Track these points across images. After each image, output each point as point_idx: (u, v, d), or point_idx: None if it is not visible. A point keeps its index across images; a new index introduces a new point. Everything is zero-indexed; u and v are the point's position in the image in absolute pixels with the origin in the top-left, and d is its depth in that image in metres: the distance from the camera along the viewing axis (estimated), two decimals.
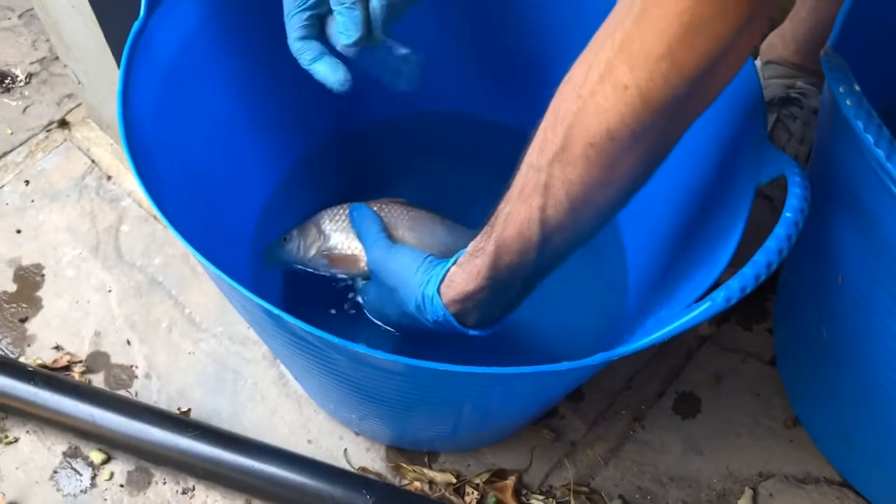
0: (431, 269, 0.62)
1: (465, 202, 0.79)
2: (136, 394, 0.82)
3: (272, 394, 0.83)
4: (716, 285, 0.50)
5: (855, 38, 0.58)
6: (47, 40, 1.10)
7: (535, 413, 0.78)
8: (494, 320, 0.62)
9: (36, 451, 0.79)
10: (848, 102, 0.53)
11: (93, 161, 0.99)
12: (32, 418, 0.78)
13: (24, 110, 1.04)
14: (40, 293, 0.89)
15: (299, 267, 0.75)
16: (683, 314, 0.49)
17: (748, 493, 0.79)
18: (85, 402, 0.76)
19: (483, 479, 0.77)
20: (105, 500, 0.76)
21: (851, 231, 0.61)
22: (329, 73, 0.62)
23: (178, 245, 0.92)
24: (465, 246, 0.59)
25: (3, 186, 0.96)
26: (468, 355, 0.61)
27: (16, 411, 0.78)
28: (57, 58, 1.07)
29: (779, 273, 0.82)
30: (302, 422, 0.81)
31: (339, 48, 0.63)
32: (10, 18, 1.13)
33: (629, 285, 0.80)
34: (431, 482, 0.77)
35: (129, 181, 0.97)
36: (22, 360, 0.83)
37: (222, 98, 0.72)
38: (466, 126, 0.92)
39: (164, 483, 0.77)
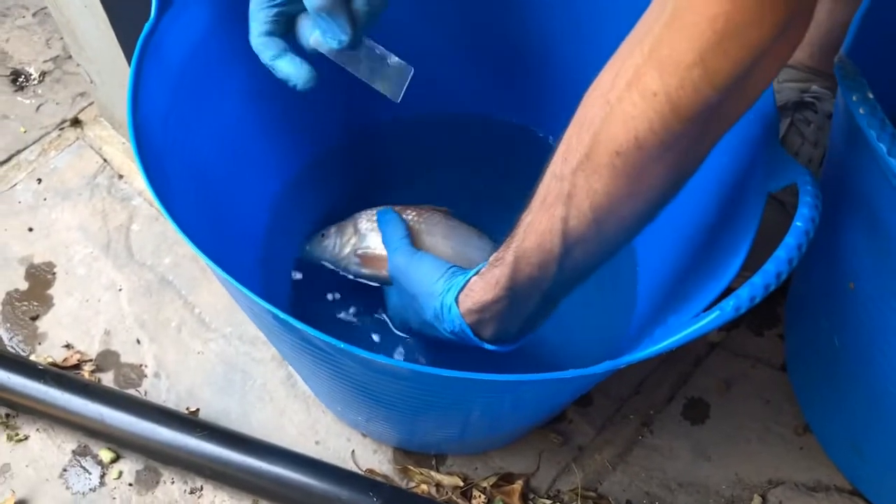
0: (452, 279, 0.61)
1: (475, 204, 0.79)
2: (146, 393, 0.83)
3: (280, 395, 0.83)
4: (727, 291, 0.49)
5: (869, 45, 0.58)
6: (61, 39, 1.10)
7: (542, 418, 0.78)
8: (512, 336, 0.60)
9: (46, 448, 0.79)
10: (861, 111, 0.52)
11: (105, 160, 0.99)
12: (42, 416, 0.79)
13: (38, 108, 1.04)
14: (51, 291, 0.89)
15: (330, 265, 0.76)
16: (692, 323, 0.48)
17: (757, 500, 0.78)
18: (94, 401, 0.76)
19: (490, 483, 0.77)
20: (114, 498, 0.77)
21: (864, 238, 0.60)
22: (293, 70, 0.61)
23: (188, 245, 0.92)
24: None
25: (15, 184, 0.97)
26: (477, 362, 0.61)
27: (26, 409, 0.79)
28: (70, 56, 1.07)
29: (790, 279, 0.81)
30: (310, 423, 0.81)
31: (323, 51, 0.62)
32: (24, 17, 1.13)
33: (638, 292, 0.80)
34: (438, 485, 0.77)
35: (140, 180, 0.97)
36: (32, 358, 0.84)
37: (232, 100, 0.72)
38: (476, 128, 0.91)
39: (173, 482, 0.78)
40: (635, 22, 0.50)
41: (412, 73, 0.65)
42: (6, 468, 0.78)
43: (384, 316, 0.76)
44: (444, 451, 0.79)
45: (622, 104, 0.43)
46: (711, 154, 0.64)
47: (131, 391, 0.82)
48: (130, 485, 0.77)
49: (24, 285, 0.89)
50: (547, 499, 0.77)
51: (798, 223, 0.48)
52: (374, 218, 0.75)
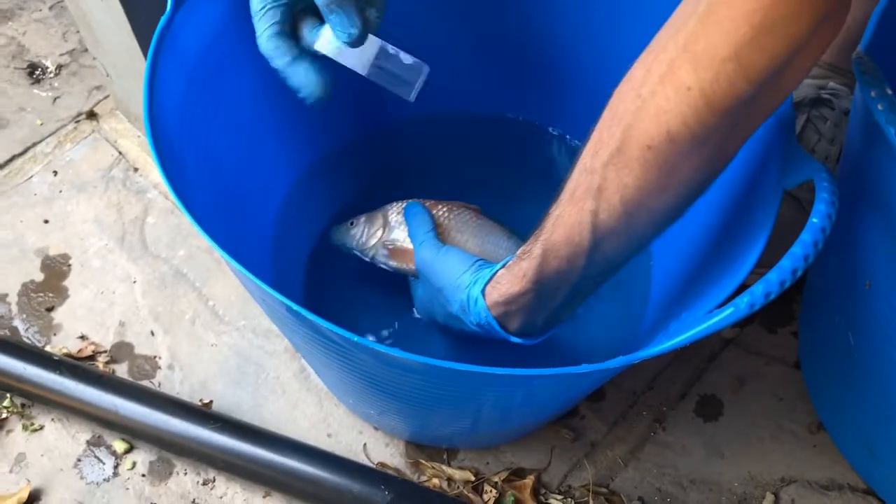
0: (479, 272, 0.61)
1: (489, 201, 0.79)
2: (159, 384, 0.83)
3: (293, 387, 0.83)
4: (741, 288, 0.49)
5: (888, 41, 0.57)
6: (77, 32, 1.11)
7: (554, 413, 0.77)
8: (539, 329, 0.60)
9: (60, 438, 0.80)
10: (880, 107, 0.52)
11: (120, 153, 1.00)
12: (57, 406, 0.79)
13: (54, 101, 1.05)
14: (67, 283, 0.90)
15: (358, 254, 0.76)
16: (705, 319, 0.48)
17: (770, 498, 0.78)
18: (109, 392, 0.77)
19: (502, 478, 0.77)
20: (127, 489, 0.77)
21: (881, 235, 0.60)
22: (307, 80, 0.59)
23: (202, 237, 0.92)
24: None
25: (31, 177, 0.98)
26: (494, 355, 0.61)
27: (41, 399, 0.79)
28: (86, 49, 1.08)
29: (805, 276, 0.81)
30: (322, 416, 0.81)
31: (329, 53, 0.61)
32: (41, 10, 1.14)
33: (652, 287, 0.79)
34: (450, 479, 0.77)
35: (155, 173, 0.98)
36: (48, 348, 0.84)
37: (246, 94, 0.73)
38: (488, 126, 0.91)
39: (185, 474, 0.78)
40: (650, 20, 0.50)
41: (428, 71, 0.64)
42: (21, 457, 0.79)
43: (400, 309, 0.76)
44: (456, 445, 0.79)
45: (655, 98, 0.43)
46: None
47: (145, 383, 0.83)
48: (144, 475, 0.78)
49: (39, 277, 0.90)
50: (558, 494, 0.77)
51: (814, 219, 0.48)
52: (404, 209, 0.75)
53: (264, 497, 0.77)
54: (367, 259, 0.76)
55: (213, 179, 0.67)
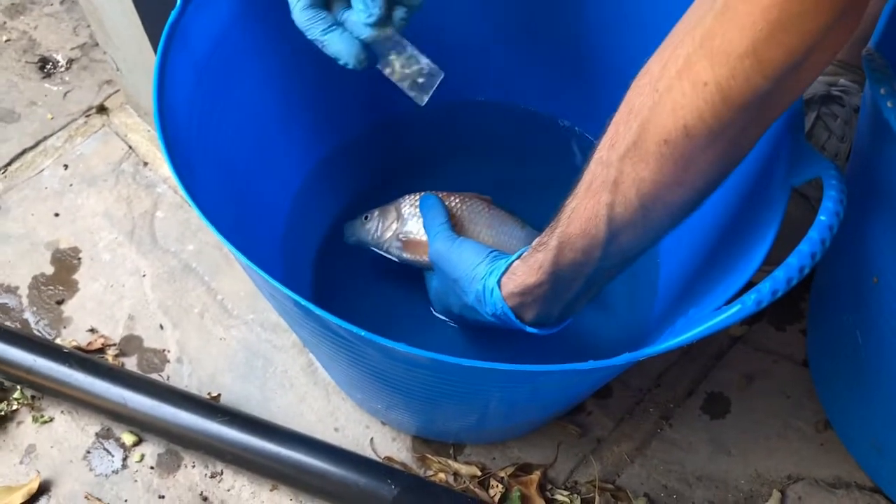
0: (494, 262, 0.62)
1: (500, 192, 0.79)
2: (168, 378, 0.84)
3: (301, 381, 0.83)
4: (748, 286, 0.49)
5: None
6: (88, 26, 1.11)
7: (561, 409, 0.78)
8: (554, 320, 0.61)
9: (70, 430, 0.80)
10: (890, 104, 0.51)
11: (130, 147, 1.00)
12: (67, 399, 0.80)
13: (65, 95, 1.05)
14: (76, 276, 0.90)
15: (373, 248, 0.77)
16: (713, 316, 0.48)
17: (776, 495, 0.78)
18: (118, 385, 0.77)
19: (508, 473, 0.77)
20: (136, 481, 0.78)
21: (889, 232, 0.59)
22: (344, 47, 0.58)
23: (211, 232, 0.92)
24: None
25: (42, 170, 0.98)
26: (506, 348, 0.61)
27: (51, 391, 0.80)
28: (97, 44, 1.08)
29: (813, 273, 0.81)
30: (329, 410, 0.82)
31: (357, 33, 0.60)
32: (52, 4, 1.15)
33: (659, 284, 0.79)
34: (456, 474, 0.78)
35: (164, 168, 0.98)
36: (58, 341, 0.85)
37: (256, 88, 0.73)
38: (503, 117, 0.91)
39: (194, 466, 0.79)
40: (665, 13, 0.50)
41: (442, 77, 0.64)
42: (31, 449, 0.79)
43: (410, 304, 0.77)
44: (463, 440, 0.80)
45: (671, 93, 0.43)
46: None
47: (154, 376, 0.83)
48: (152, 468, 0.78)
49: (49, 270, 0.91)
50: (564, 490, 0.77)
51: (822, 217, 0.48)
52: (418, 203, 0.75)
53: (271, 490, 0.77)
54: (381, 252, 0.76)
55: (222, 174, 0.67)
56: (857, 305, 0.68)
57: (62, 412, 0.81)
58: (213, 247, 0.92)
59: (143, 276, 0.90)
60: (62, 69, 1.08)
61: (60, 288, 0.90)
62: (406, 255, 0.75)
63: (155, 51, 0.63)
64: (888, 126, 0.52)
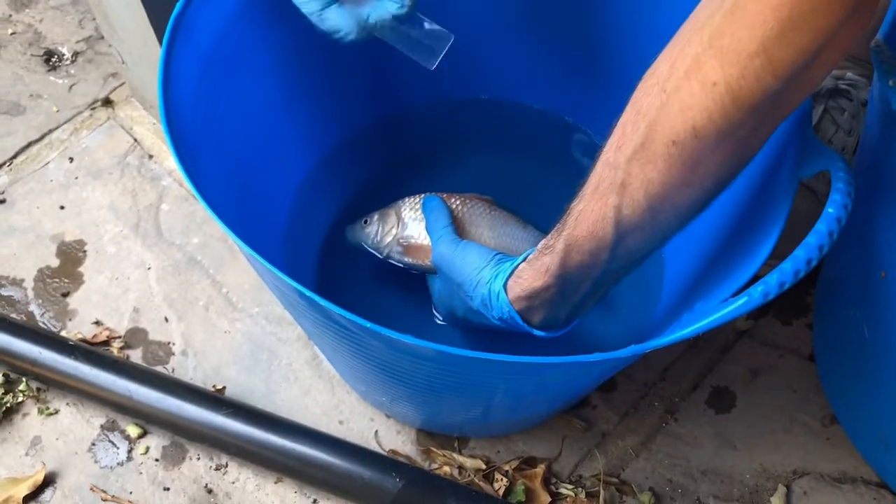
0: (499, 266, 0.61)
1: (502, 191, 0.79)
2: (173, 370, 0.84)
3: (306, 374, 0.83)
4: (755, 279, 0.49)
5: None
6: (93, 19, 1.11)
7: (566, 402, 0.77)
8: (561, 322, 0.60)
9: (75, 423, 0.81)
10: None
11: (135, 140, 1.00)
12: (72, 391, 0.80)
13: (70, 88, 1.05)
14: (82, 269, 0.90)
15: (373, 251, 0.76)
16: (719, 309, 0.48)
17: (781, 490, 0.77)
18: (123, 377, 0.77)
19: (512, 466, 0.77)
20: (140, 473, 0.78)
21: None
22: (341, 21, 0.59)
23: (216, 225, 0.92)
24: None
25: (48, 163, 0.98)
26: (509, 349, 0.60)
27: (57, 384, 0.80)
28: (102, 37, 1.08)
29: (820, 267, 0.80)
30: (334, 403, 0.82)
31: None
32: None
33: (665, 280, 0.79)
34: (461, 467, 0.78)
35: (170, 161, 0.98)
36: (63, 333, 0.85)
37: (261, 82, 0.73)
38: (507, 114, 0.91)
39: (198, 459, 0.79)
40: (673, 10, 0.49)
41: (452, 40, 0.63)
42: (37, 441, 0.79)
43: (413, 301, 0.76)
44: (467, 433, 0.79)
45: (680, 93, 0.43)
46: None
47: (159, 368, 0.83)
48: (157, 460, 0.79)
49: (55, 262, 0.91)
50: (569, 483, 0.77)
51: (830, 209, 0.47)
52: (418, 206, 0.74)
53: (276, 482, 0.77)
54: (381, 257, 0.76)
55: (227, 167, 0.67)
56: (864, 300, 0.68)
57: (67, 404, 0.82)
58: (217, 240, 0.92)
59: (149, 268, 0.90)
60: (67, 62, 1.08)
61: (66, 280, 0.90)
62: (408, 260, 0.74)
63: (160, 43, 0.63)
64: None
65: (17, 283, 0.89)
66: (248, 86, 0.71)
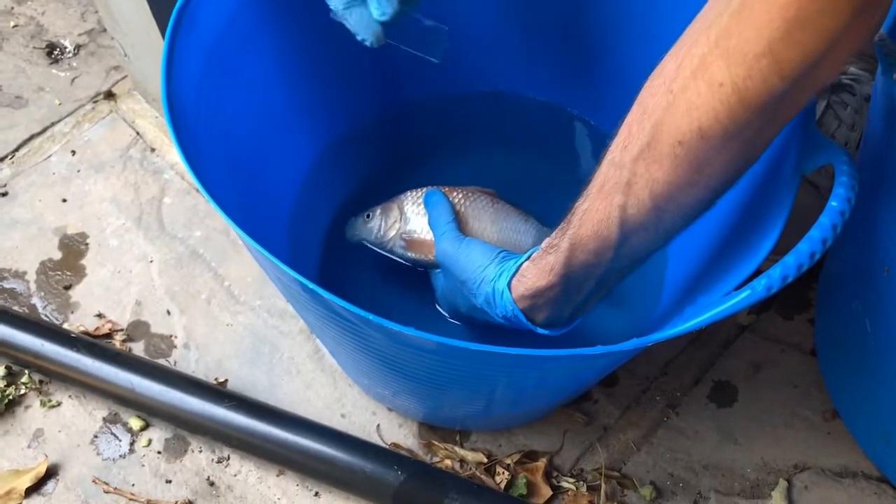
0: (503, 264, 0.61)
1: (509, 184, 0.79)
2: (175, 363, 0.84)
3: (308, 368, 0.83)
4: (757, 274, 0.49)
5: None
6: (96, 12, 1.11)
7: (567, 396, 0.78)
8: (564, 321, 0.60)
9: (77, 415, 0.81)
10: None
11: (137, 133, 1.00)
12: (74, 383, 0.80)
13: (72, 81, 1.05)
14: (84, 262, 0.90)
15: (376, 248, 0.76)
16: (722, 302, 0.48)
17: (782, 484, 0.78)
18: (125, 370, 0.77)
19: (514, 460, 0.78)
20: (143, 465, 0.78)
21: None
22: (364, 23, 0.59)
23: (219, 218, 0.93)
24: None
25: (50, 156, 0.98)
26: (509, 339, 0.60)
27: (59, 376, 0.80)
28: (105, 30, 1.08)
29: (822, 262, 0.80)
30: (336, 396, 0.82)
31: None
32: None
33: (668, 272, 0.79)
34: (462, 461, 0.78)
35: (172, 154, 0.98)
36: (65, 326, 0.85)
37: (264, 74, 0.73)
38: (510, 107, 0.91)
39: (200, 451, 0.79)
40: (681, 9, 0.49)
41: (447, 31, 0.65)
42: (39, 433, 0.80)
43: (416, 295, 0.76)
44: (469, 427, 0.80)
45: (686, 93, 0.42)
46: None
47: (161, 361, 0.83)
48: (159, 452, 0.79)
49: (57, 255, 0.91)
50: (570, 477, 0.77)
51: (833, 203, 0.47)
52: (420, 200, 0.74)
53: (278, 475, 0.77)
54: (384, 252, 0.76)
55: (230, 159, 0.67)
56: (867, 294, 0.68)
57: (70, 397, 0.82)
58: (220, 233, 0.92)
59: (151, 261, 0.90)
60: (70, 55, 1.08)
61: (68, 273, 0.90)
62: (411, 255, 0.74)
63: (163, 36, 0.63)
64: None
65: (19, 275, 0.89)
66: (251, 78, 0.71)
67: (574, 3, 0.80)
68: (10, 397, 0.81)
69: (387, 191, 0.77)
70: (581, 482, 0.77)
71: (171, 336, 0.86)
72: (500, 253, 0.63)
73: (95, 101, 1.03)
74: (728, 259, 0.60)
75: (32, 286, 0.89)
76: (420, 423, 0.80)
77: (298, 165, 0.83)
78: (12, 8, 1.12)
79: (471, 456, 0.78)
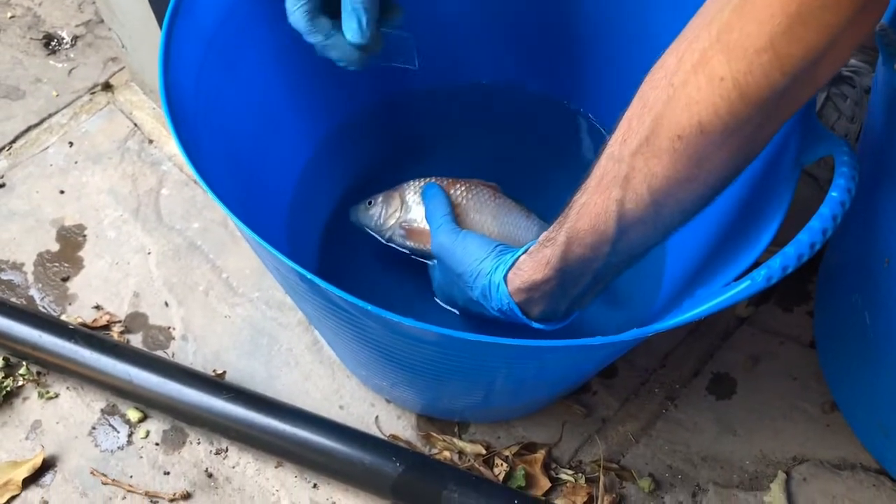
0: (500, 257, 0.61)
1: (507, 176, 0.79)
2: (173, 355, 0.84)
3: (306, 359, 0.83)
4: (756, 266, 0.49)
5: None
6: (93, 3, 1.11)
7: (566, 388, 0.77)
8: (560, 315, 0.60)
9: (75, 406, 0.81)
10: None
11: (135, 124, 1.00)
12: (72, 375, 0.80)
13: (70, 72, 1.05)
14: (82, 253, 0.90)
15: (376, 234, 0.76)
16: (722, 292, 0.48)
17: (781, 476, 0.78)
18: (123, 362, 0.77)
19: (512, 452, 0.77)
20: (141, 457, 0.78)
21: None
22: (345, 51, 0.62)
23: (217, 210, 0.92)
24: None
25: (47, 147, 0.98)
26: (507, 330, 0.60)
27: (57, 367, 0.80)
28: (102, 20, 1.08)
29: (822, 254, 0.80)
30: (335, 388, 0.82)
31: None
32: None
33: (667, 264, 0.79)
34: (461, 452, 0.78)
35: (170, 145, 0.98)
36: (63, 318, 0.85)
37: (263, 64, 0.72)
38: (509, 99, 0.91)
39: (199, 443, 0.79)
40: (681, 2, 0.49)
41: (412, 38, 0.66)
42: (37, 424, 0.79)
43: (415, 287, 0.76)
44: (468, 418, 0.80)
45: (687, 88, 0.42)
46: None
47: (159, 353, 0.83)
48: (157, 444, 0.79)
49: (55, 247, 0.91)
50: (569, 469, 0.77)
51: (833, 193, 0.47)
52: (421, 190, 0.74)
53: (276, 467, 0.77)
54: (384, 240, 0.76)
55: (228, 151, 0.67)
56: (866, 287, 0.68)
57: (68, 388, 0.82)
58: (218, 224, 0.92)
59: (149, 253, 0.90)
60: (67, 46, 1.08)
61: (66, 265, 0.89)
62: (409, 244, 0.74)
63: (160, 27, 0.63)
64: None
65: (16, 267, 0.89)
66: (249, 69, 0.71)
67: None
68: (8, 389, 0.81)
69: (387, 183, 0.77)
70: (580, 474, 0.77)
71: (168, 328, 0.85)
72: (497, 246, 0.62)
73: (93, 93, 1.03)
74: (727, 251, 0.60)
75: (30, 278, 0.88)
76: (418, 415, 0.80)
77: (297, 156, 0.83)
78: None
79: (469, 448, 0.78)
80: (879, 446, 0.78)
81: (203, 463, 0.78)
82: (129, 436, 0.79)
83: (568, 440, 0.79)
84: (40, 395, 0.81)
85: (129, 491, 0.76)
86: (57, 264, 0.89)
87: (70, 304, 0.87)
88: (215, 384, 0.77)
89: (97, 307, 0.86)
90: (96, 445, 0.79)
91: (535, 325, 0.60)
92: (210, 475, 0.77)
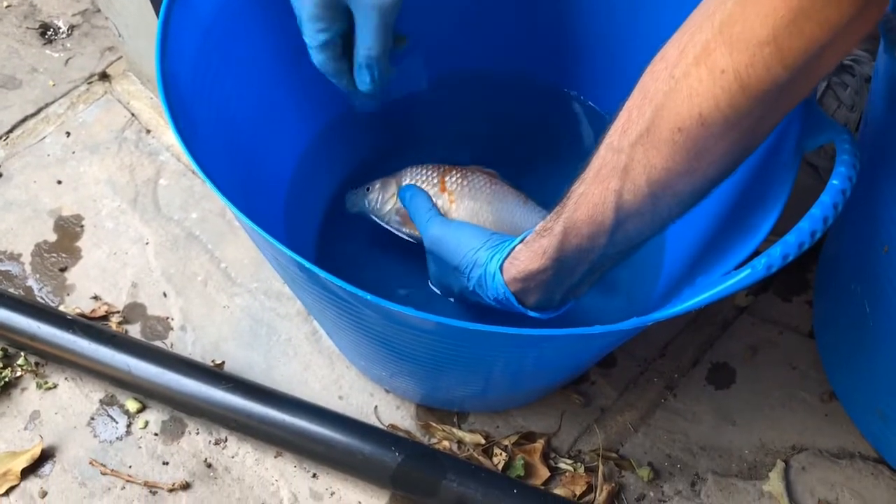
0: (496, 247, 0.61)
1: (507, 164, 0.78)
2: (172, 345, 0.83)
3: (305, 349, 0.83)
4: (756, 254, 0.49)
5: None
6: None
7: (565, 377, 0.77)
8: (556, 305, 0.60)
9: (74, 397, 0.80)
10: None
11: (133, 114, 0.99)
12: (71, 365, 0.80)
13: (66, 62, 1.04)
14: (80, 244, 0.90)
15: (374, 218, 0.77)
16: (722, 281, 0.48)
17: (780, 465, 0.78)
18: (121, 352, 0.77)
19: (512, 441, 0.78)
20: (140, 447, 0.78)
21: None
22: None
23: (215, 200, 0.92)
24: None
25: (44, 138, 0.98)
26: (505, 319, 0.60)
27: (55, 358, 0.80)
28: (99, 10, 1.07)
29: (821, 243, 0.80)
30: (334, 378, 0.82)
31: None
32: None
33: (666, 253, 0.79)
34: (460, 442, 0.78)
35: (167, 135, 0.97)
36: (61, 308, 0.85)
37: (260, 54, 0.72)
38: (509, 87, 0.90)
39: (198, 433, 0.79)
40: None
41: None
42: (36, 415, 0.79)
43: (413, 275, 0.76)
44: (467, 408, 0.80)
45: (688, 79, 0.42)
46: None
47: (158, 343, 0.83)
48: (156, 434, 0.79)
49: (52, 237, 0.90)
50: (568, 458, 0.77)
51: (835, 181, 0.47)
52: (419, 176, 0.75)
53: (276, 457, 0.77)
54: (382, 224, 0.76)
55: (226, 140, 0.67)
56: (865, 275, 0.68)
57: (66, 379, 0.81)
58: (216, 215, 0.92)
59: (147, 243, 0.90)
60: (63, 35, 1.07)
61: (63, 255, 0.89)
62: (405, 229, 0.75)
63: (157, 16, 0.63)
64: None
65: (14, 257, 0.89)
66: (247, 58, 0.70)
67: None
68: (7, 379, 0.80)
69: (387, 172, 0.77)
70: (579, 463, 0.77)
71: (167, 318, 0.85)
72: (492, 235, 0.62)
73: (90, 83, 1.02)
74: (727, 240, 0.60)
75: (28, 268, 0.88)
76: (418, 405, 0.80)
77: (296, 146, 0.82)
78: None
79: (468, 437, 0.78)
80: (878, 435, 0.78)
81: (202, 453, 0.78)
82: (128, 426, 0.79)
83: (567, 430, 0.79)
84: (39, 386, 0.81)
85: (127, 481, 0.76)
86: (55, 255, 0.89)
87: (68, 294, 0.86)
88: (214, 374, 0.77)
89: (95, 297, 0.86)
90: (95, 436, 0.79)
91: (531, 313, 0.60)
92: (209, 465, 0.77)
